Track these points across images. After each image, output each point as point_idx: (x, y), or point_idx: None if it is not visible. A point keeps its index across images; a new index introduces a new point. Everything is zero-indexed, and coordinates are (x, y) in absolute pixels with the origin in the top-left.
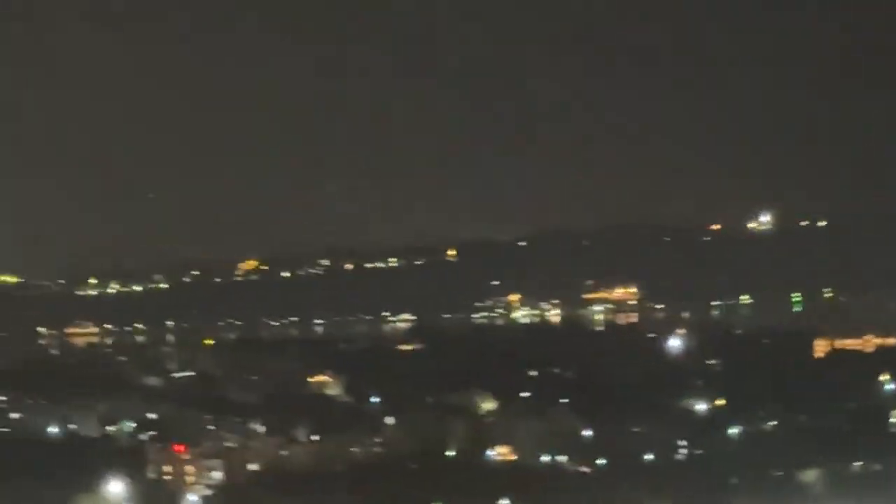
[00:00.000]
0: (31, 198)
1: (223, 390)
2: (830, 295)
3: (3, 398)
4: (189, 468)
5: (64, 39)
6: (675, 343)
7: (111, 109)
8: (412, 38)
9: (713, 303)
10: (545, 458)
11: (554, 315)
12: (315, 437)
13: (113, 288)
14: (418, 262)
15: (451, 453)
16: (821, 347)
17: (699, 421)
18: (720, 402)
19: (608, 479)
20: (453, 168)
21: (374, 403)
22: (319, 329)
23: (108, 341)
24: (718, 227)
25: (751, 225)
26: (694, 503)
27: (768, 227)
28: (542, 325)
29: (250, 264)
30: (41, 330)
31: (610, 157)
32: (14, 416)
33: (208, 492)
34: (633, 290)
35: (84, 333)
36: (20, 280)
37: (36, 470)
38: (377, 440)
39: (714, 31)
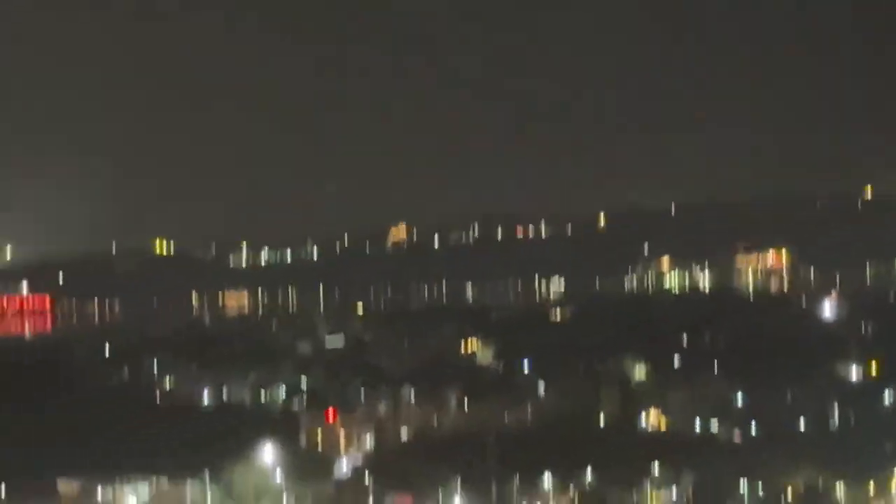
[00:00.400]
0: (185, 164)
1: (374, 357)
2: None
3: (157, 364)
4: (341, 435)
5: None
6: (828, 308)
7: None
8: None
9: (867, 267)
10: (697, 426)
11: (704, 282)
12: (465, 405)
13: (265, 255)
14: (568, 229)
15: (602, 421)
16: None
17: (853, 387)
18: (875, 368)
19: (761, 446)
20: (602, 135)
21: (525, 370)
22: (470, 296)
23: (260, 308)
24: (872, 189)
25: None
26: (847, 471)
27: None
28: (693, 292)
29: (401, 231)
30: (194, 297)
31: (761, 123)
32: (168, 382)
33: (360, 458)
34: (785, 254)
35: (236, 300)
36: (175, 247)
37: (189, 438)
38: (528, 407)
39: None
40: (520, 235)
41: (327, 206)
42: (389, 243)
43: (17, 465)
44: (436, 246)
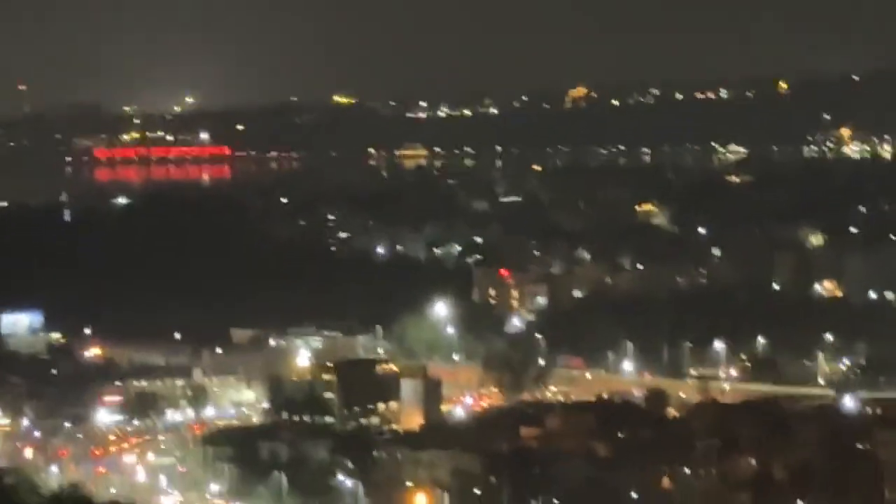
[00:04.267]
0: (368, 19)
1: (550, 216)
2: None
3: (332, 217)
4: (514, 293)
5: None
6: None
7: None
8: None
9: None
10: (872, 295)
11: (886, 150)
12: (640, 266)
13: (443, 111)
14: (749, 94)
15: (776, 288)
16: None
17: None
18: None
19: None
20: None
21: (700, 234)
22: (647, 158)
23: (437, 164)
24: None
25: None
26: None
27: None
28: (874, 161)
29: (580, 91)
30: (372, 151)
31: None
32: (343, 235)
33: (532, 317)
34: None
35: (414, 156)
36: (354, 101)
37: (362, 290)
38: (702, 271)
39: None
40: (700, 96)
41: (506, 64)
42: (568, 104)
43: (192, 310)
44: (614, 107)
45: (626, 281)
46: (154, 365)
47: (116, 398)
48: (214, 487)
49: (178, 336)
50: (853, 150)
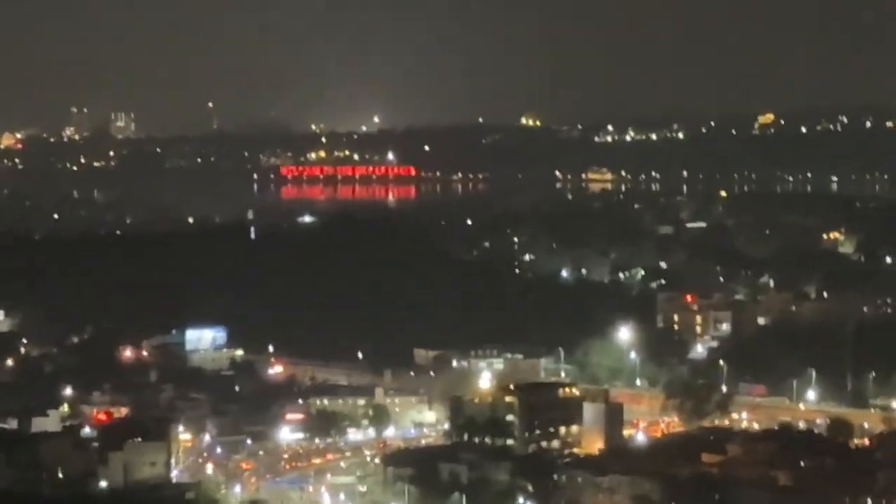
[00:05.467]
0: (557, 42)
1: (735, 242)
2: None
3: (517, 239)
4: (698, 318)
5: None
6: None
7: None
8: None
9: None
10: None
11: None
12: (825, 294)
13: (630, 135)
14: None
15: None
16: None
17: None
18: None
19: None
20: None
21: (887, 263)
22: (834, 186)
23: (623, 188)
24: None
25: None
26: None
27: None
28: None
29: (768, 118)
30: (558, 174)
31: None
32: (527, 257)
33: (715, 343)
34: None
35: (600, 179)
36: (541, 123)
37: (546, 312)
38: (888, 300)
39: None
40: (889, 124)
41: (694, 89)
42: (756, 130)
43: (375, 330)
44: (802, 134)
45: (810, 309)
46: (336, 384)
47: (298, 416)
48: None
49: (360, 355)
50: None
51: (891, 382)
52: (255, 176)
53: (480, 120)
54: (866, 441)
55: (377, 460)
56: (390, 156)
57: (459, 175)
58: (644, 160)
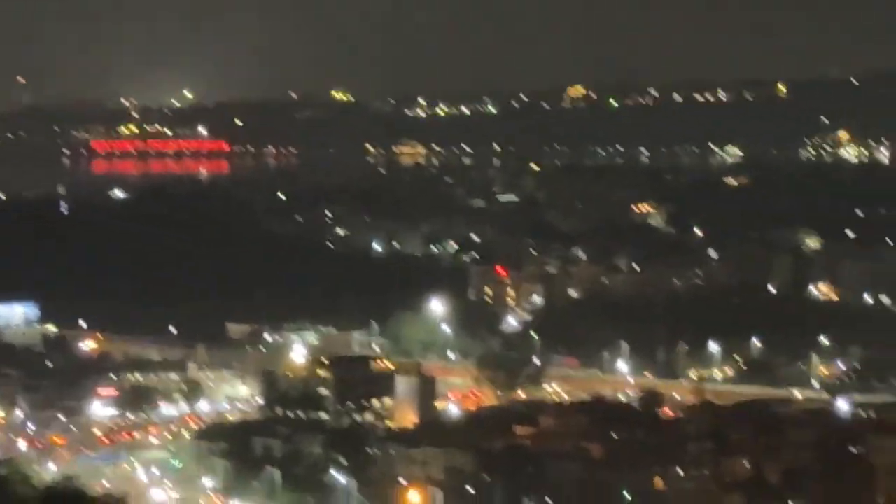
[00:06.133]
0: (368, 16)
1: (547, 215)
2: None
3: (330, 214)
4: (510, 291)
5: None
6: None
7: None
8: None
9: None
10: (868, 299)
11: (883, 154)
12: (636, 267)
13: (441, 109)
14: (748, 96)
15: (772, 288)
16: None
17: None
18: None
19: None
20: (788, 3)
21: (697, 235)
22: (645, 159)
23: (435, 162)
24: None
25: None
26: None
27: None
28: (871, 165)
29: (578, 91)
30: (370, 148)
31: None
32: (340, 231)
33: (528, 315)
34: None
35: (412, 153)
36: (353, 97)
37: (358, 286)
38: (698, 272)
39: None
40: (698, 98)
41: (504, 63)
42: (566, 103)
43: (188, 304)
44: (612, 107)
45: (622, 281)
46: (149, 359)
47: (111, 391)
48: (208, 482)
49: (173, 330)
50: (851, 153)
51: (701, 354)
52: (66, 151)
53: (292, 94)
54: (677, 413)
55: (190, 435)
56: (202, 131)
57: (272, 149)
58: (455, 134)
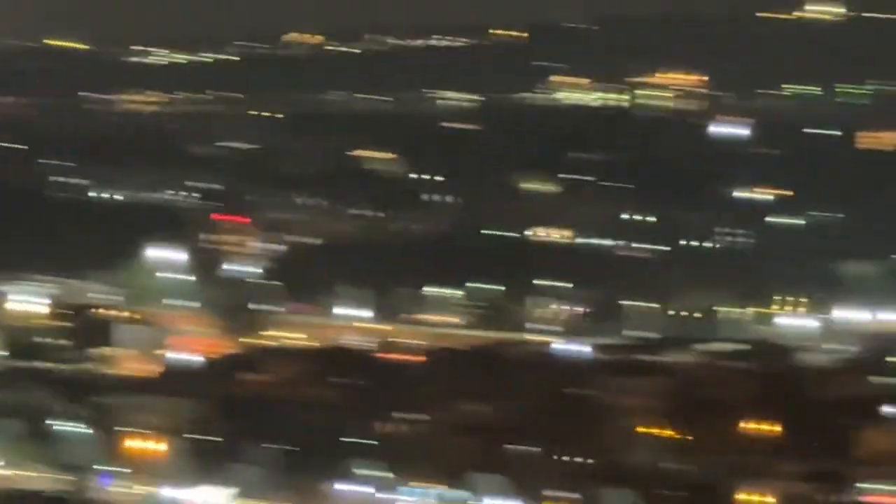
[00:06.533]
0: None
1: (273, 162)
2: None
3: (50, 163)
4: (242, 238)
5: None
6: (735, 130)
7: None
8: None
9: (776, 91)
10: (597, 241)
11: (617, 100)
12: (365, 212)
13: (159, 56)
14: (481, 41)
15: (500, 232)
16: (888, 140)
17: (760, 210)
18: (784, 192)
19: (658, 264)
20: None
21: (425, 180)
22: (375, 104)
23: (156, 110)
24: (796, 14)
25: (824, 15)
26: (742, 291)
27: (843, 15)
28: (605, 109)
29: (295, 37)
30: (89, 96)
31: None
32: (62, 180)
33: (261, 262)
34: (700, 76)
35: (133, 101)
36: (70, 44)
37: (86, 235)
38: (430, 216)
39: None
40: (432, 43)
41: (220, 9)
42: (284, 49)
43: None
44: (335, 52)
45: (356, 227)
46: None
47: None
48: None
49: None
50: (586, 97)
51: (434, 298)
52: None
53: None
54: (410, 357)
55: None
56: None
57: None
58: (177, 81)
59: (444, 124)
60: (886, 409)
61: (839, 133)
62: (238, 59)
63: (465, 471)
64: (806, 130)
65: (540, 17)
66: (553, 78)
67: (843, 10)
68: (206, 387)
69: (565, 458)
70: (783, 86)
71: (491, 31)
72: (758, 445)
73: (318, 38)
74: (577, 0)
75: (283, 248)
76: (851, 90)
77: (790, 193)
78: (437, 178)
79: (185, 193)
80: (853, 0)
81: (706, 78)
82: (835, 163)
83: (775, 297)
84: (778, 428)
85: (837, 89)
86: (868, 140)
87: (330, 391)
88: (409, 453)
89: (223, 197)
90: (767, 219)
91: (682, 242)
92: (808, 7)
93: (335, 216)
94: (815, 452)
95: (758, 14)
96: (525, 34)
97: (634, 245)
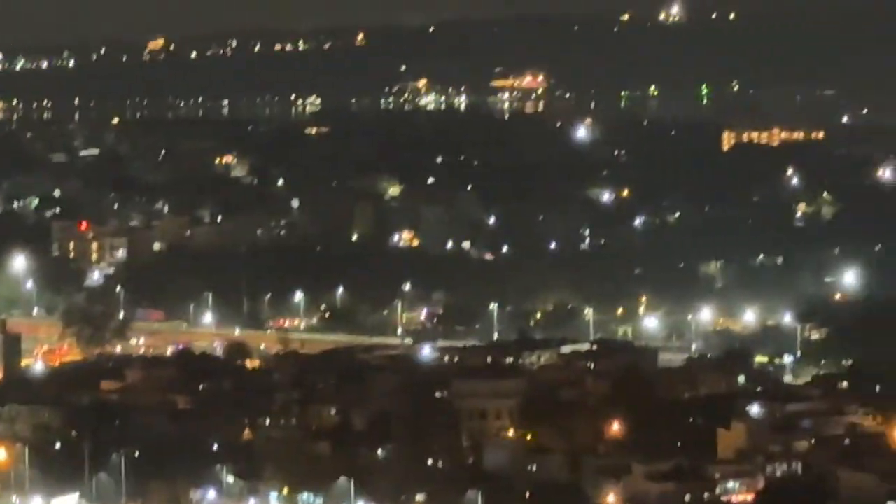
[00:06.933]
0: None
1: (129, 169)
2: (738, 88)
3: None
4: (94, 246)
5: None
6: (581, 132)
7: None
8: None
9: (621, 93)
10: (449, 245)
11: (461, 102)
12: (220, 219)
13: (20, 63)
14: (327, 46)
15: (355, 237)
16: (727, 140)
17: (604, 211)
18: (626, 192)
19: (512, 266)
20: None
21: (280, 186)
22: (226, 111)
23: (14, 117)
24: (629, 16)
25: (661, 16)
26: (596, 292)
27: (679, 18)
28: (449, 112)
29: (158, 44)
30: None
31: None
32: None
33: (112, 270)
34: (541, 78)
35: None
36: None
37: None
38: (282, 222)
39: None
40: (277, 48)
41: (85, 16)
42: (146, 56)
43: None
44: (193, 59)
45: (206, 233)
46: None
47: None
48: None
49: None
50: (429, 101)
51: (287, 304)
52: None
53: None
54: (264, 363)
55: None
56: None
57: None
58: (35, 88)
59: (298, 129)
60: (746, 407)
61: (701, 133)
62: (98, 63)
63: (320, 475)
64: (653, 129)
65: (380, 20)
66: (402, 82)
67: (704, 14)
68: (62, 395)
69: (422, 462)
70: (623, 90)
71: (332, 34)
72: (616, 445)
73: (167, 45)
74: (418, 2)
75: (133, 254)
76: (712, 90)
77: (645, 194)
78: (285, 182)
79: (40, 201)
80: (704, 5)
81: (547, 79)
82: (695, 164)
83: (633, 298)
84: (637, 427)
85: (701, 90)
86: (731, 140)
87: (183, 397)
88: (264, 459)
89: (79, 204)
90: (624, 219)
91: (536, 244)
92: (665, 11)
93: (185, 222)
94: (674, 451)
95: (618, 17)
96: (363, 37)
97: (486, 248)
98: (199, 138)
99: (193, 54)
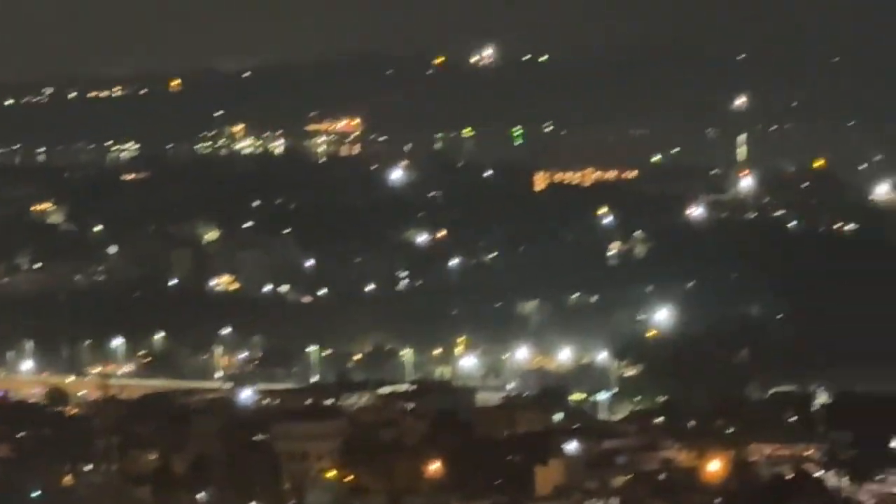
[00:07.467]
0: None
1: None
2: (551, 129)
3: None
4: None
5: None
6: (397, 175)
7: None
8: None
9: (436, 135)
10: (267, 288)
11: (277, 146)
12: (37, 265)
13: None
14: (142, 92)
15: (173, 283)
16: (541, 180)
17: (420, 252)
18: (441, 233)
19: (329, 309)
20: None
21: (97, 232)
22: (42, 157)
23: None
24: (442, 59)
25: (474, 59)
26: (414, 333)
27: (491, 61)
28: (266, 156)
29: None
30: None
31: None
32: None
33: None
34: (356, 121)
35: None
36: None
37: None
38: (100, 268)
39: None
40: (92, 94)
41: None
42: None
43: None
44: (8, 106)
45: (23, 280)
46: None
47: None
48: None
49: None
50: (246, 145)
51: (105, 350)
52: None
53: None
54: (83, 409)
55: None
56: None
57: None
58: None
59: (114, 175)
60: (563, 445)
61: (514, 174)
62: None
63: None
64: (468, 171)
65: (196, 65)
66: (218, 127)
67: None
68: None
69: None
70: (438, 132)
71: (148, 80)
72: (436, 484)
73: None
74: (233, 47)
75: None
76: (525, 131)
77: (461, 235)
78: (102, 228)
79: None
80: (516, 48)
81: (362, 123)
82: (509, 204)
83: (451, 338)
84: (453, 466)
85: (515, 131)
86: (544, 180)
87: (5, 445)
88: None
89: None
90: (440, 260)
91: (353, 286)
92: (479, 54)
93: (2, 269)
94: (493, 489)
95: (432, 61)
96: (179, 83)
97: (304, 291)
98: (14, 186)
99: (9, 101)
